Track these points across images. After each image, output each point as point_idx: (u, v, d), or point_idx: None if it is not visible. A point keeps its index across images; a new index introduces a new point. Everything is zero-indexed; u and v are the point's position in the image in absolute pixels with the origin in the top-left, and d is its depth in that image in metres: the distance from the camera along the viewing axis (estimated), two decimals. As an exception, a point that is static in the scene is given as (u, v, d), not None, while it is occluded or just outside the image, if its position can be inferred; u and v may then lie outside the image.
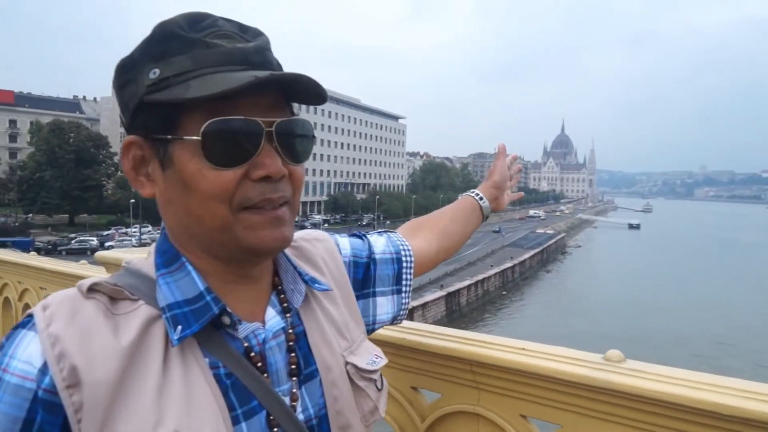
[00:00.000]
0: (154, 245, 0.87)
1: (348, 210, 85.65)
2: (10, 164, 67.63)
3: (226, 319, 0.80)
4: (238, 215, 0.77)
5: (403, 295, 1.16)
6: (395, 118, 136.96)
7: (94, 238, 54.11)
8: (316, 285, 0.93)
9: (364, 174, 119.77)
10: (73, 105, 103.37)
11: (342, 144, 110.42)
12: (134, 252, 2.11)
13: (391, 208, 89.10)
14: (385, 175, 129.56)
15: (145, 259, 0.85)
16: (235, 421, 0.76)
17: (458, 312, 41.11)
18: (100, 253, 2.20)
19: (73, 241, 52.48)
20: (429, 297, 37.93)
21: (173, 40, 0.76)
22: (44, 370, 0.69)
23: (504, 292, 50.93)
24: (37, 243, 49.28)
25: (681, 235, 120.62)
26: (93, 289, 0.76)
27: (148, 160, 0.81)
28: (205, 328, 0.78)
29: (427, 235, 1.29)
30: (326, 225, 74.92)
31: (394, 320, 1.15)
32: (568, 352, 1.22)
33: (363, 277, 1.10)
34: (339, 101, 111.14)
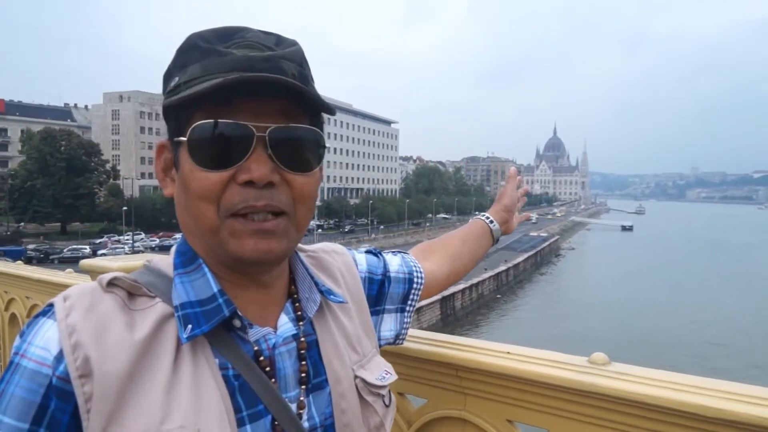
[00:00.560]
0: (174, 245, 0.89)
1: (341, 215, 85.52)
2: (0, 173, 67.10)
3: (237, 322, 0.81)
4: (225, 220, 0.77)
5: (406, 314, 1.16)
6: (388, 122, 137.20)
7: (87, 246, 53.90)
8: (332, 296, 0.93)
9: (357, 179, 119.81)
10: (65, 113, 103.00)
11: (335, 149, 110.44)
12: (121, 260, 2.06)
13: (385, 213, 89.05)
14: (378, 180, 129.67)
15: (164, 259, 0.87)
16: (240, 423, 0.77)
17: (453, 316, 41.09)
18: (85, 261, 2.16)
19: (65, 250, 52.24)
20: (423, 301, 37.68)
21: (193, 50, 0.79)
22: (60, 357, 0.71)
23: (498, 296, 51.00)
24: (29, 252, 48.98)
25: (673, 236, 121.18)
26: (112, 284, 0.78)
27: (173, 162, 0.84)
28: (216, 329, 0.79)
29: (438, 258, 1.31)
30: (320, 230, 74.75)
31: (397, 339, 1.16)
32: (553, 355, 1.22)
33: (377, 293, 1.11)
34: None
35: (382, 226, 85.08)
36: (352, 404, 0.89)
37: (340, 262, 1.06)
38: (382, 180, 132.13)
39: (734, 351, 34.38)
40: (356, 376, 0.92)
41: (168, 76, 0.82)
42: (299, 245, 1.00)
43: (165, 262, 0.86)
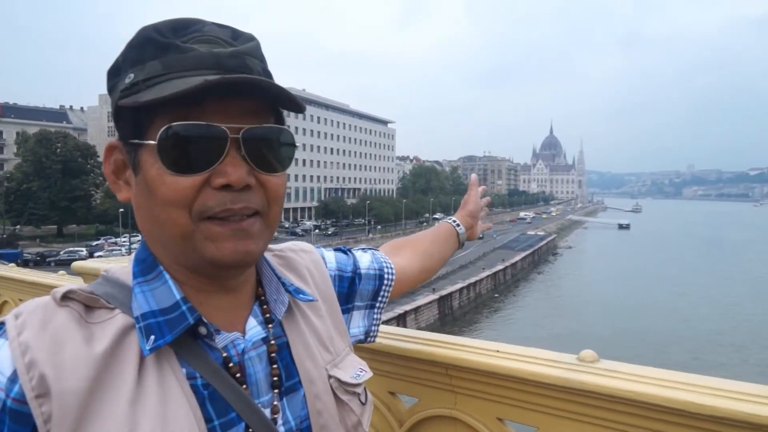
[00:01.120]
0: (133, 253, 0.85)
1: (339, 215, 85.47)
2: (-4, 176, 66.90)
3: (203, 329, 0.78)
4: (199, 224, 0.75)
5: (376, 311, 1.15)
6: (384, 122, 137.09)
7: (83, 249, 53.67)
8: (301, 296, 0.91)
9: (355, 179, 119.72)
10: (60, 115, 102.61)
11: (332, 149, 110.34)
12: (111, 261, 2.04)
13: (382, 213, 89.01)
14: (375, 180, 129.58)
15: (124, 268, 0.83)
16: None
17: (451, 315, 41.07)
18: (77, 263, 2.14)
19: (62, 252, 52.02)
20: (421, 301, 37.86)
21: (148, 44, 0.75)
22: (14, 378, 0.68)
23: (496, 295, 50.98)
24: (25, 254, 48.84)
25: (669, 234, 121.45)
26: (67, 297, 0.74)
27: (126, 164, 0.80)
28: (182, 337, 0.76)
29: (409, 254, 1.30)
30: (317, 231, 74.69)
31: (367, 336, 1.14)
32: (542, 353, 1.22)
33: (347, 291, 1.10)
34: (328, 107, 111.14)
35: (379, 226, 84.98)
36: (327, 405, 0.87)
37: (308, 260, 1.04)
38: (379, 180, 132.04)
39: (730, 348, 34.49)
40: (330, 376, 0.90)
41: (116, 72, 0.79)
42: (271, 246, 1.00)
43: (124, 271, 0.82)
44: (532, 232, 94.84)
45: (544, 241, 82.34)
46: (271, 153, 0.78)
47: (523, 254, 66.55)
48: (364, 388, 0.97)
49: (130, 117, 0.76)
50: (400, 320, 33.42)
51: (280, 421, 0.81)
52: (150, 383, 0.72)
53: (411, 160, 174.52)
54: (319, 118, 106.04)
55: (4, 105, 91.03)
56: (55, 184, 60.77)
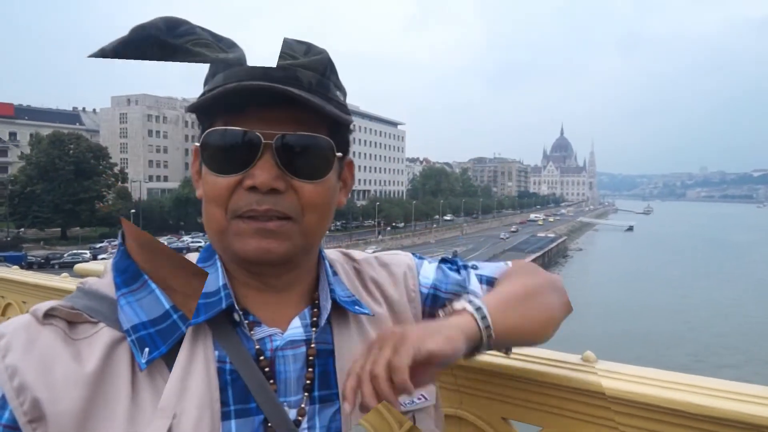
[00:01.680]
0: (110, 262, 0.82)
1: (348, 216, 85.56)
2: (0, 179, 67.54)
3: (236, 316, 0.81)
4: (231, 222, 0.79)
5: None
6: (394, 124, 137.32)
7: (87, 251, 53.99)
8: (356, 308, 0.90)
9: (365, 180, 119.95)
10: (73, 117, 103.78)
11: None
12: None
13: (392, 214, 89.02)
14: (385, 182, 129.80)
15: (101, 279, 0.82)
16: (225, 417, 0.75)
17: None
18: (80, 266, 2.12)
19: (65, 255, 52.35)
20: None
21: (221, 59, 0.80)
22: (3, 404, 0.67)
23: (506, 297, 50.74)
24: (29, 257, 49.21)
25: (675, 236, 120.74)
26: (49, 315, 0.73)
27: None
28: (222, 323, 0.79)
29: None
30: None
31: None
32: (547, 353, 1.22)
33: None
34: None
35: (388, 228, 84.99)
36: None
37: (384, 274, 1.01)
38: (389, 181, 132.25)
39: (733, 350, 34.14)
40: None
41: (204, 84, 0.85)
42: (346, 251, 1.02)
43: (102, 282, 0.81)
44: (542, 234, 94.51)
45: (555, 243, 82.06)
46: (306, 160, 0.80)
47: (533, 256, 66.20)
48: (413, 415, 0.91)
49: (200, 122, 0.84)
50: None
51: (305, 425, 0.80)
52: (145, 397, 0.72)
53: (421, 162, 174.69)
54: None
55: (17, 107, 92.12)
56: (59, 187, 61.22)
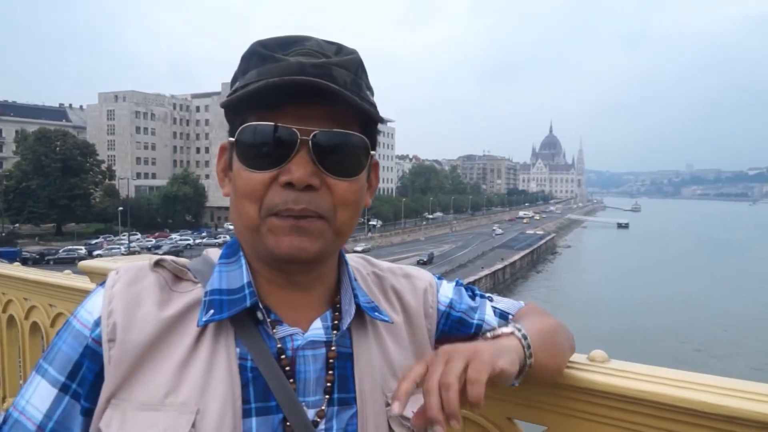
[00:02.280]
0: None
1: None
2: (-5, 175, 66.81)
3: (259, 315, 0.82)
4: (266, 219, 0.79)
5: None
6: (384, 121, 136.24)
7: (82, 247, 53.68)
8: (376, 314, 0.90)
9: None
10: (60, 113, 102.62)
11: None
12: (119, 260, 2.07)
13: (381, 212, 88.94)
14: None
15: (218, 250, 0.91)
16: (246, 414, 0.77)
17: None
18: (84, 263, 2.17)
19: (60, 251, 52.04)
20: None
21: (253, 56, 0.82)
22: (98, 322, 0.78)
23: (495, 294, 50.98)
24: (24, 253, 48.81)
25: (667, 234, 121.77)
26: (159, 264, 0.85)
27: (229, 162, 0.87)
28: (244, 320, 0.81)
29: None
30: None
31: None
32: None
33: (448, 331, 1.03)
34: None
35: (378, 225, 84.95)
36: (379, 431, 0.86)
37: (406, 284, 1.02)
38: (379, 179, 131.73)
39: (729, 345, 34.61)
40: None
41: (232, 82, 0.86)
42: (367, 257, 1.04)
43: (218, 252, 0.90)
44: (531, 231, 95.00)
45: (543, 240, 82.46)
46: (341, 157, 0.80)
47: (522, 253, 66.62)
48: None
49: (229, 118, 0.84)
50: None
51: (322, 426, 0.81)
52: (202, 354, 0.78)
53: (410, 159, 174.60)
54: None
55: (3, 103, 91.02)
56: (55, 183, 60.79)
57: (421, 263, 52.49)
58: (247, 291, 0.82)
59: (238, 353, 0.80)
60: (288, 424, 0.78)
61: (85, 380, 0.78)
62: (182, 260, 0.88)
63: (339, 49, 0.84)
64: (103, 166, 71.54)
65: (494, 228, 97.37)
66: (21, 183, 60.37)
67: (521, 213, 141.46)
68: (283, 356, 0.81)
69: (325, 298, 0.90)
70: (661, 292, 50.66)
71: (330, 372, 0.84)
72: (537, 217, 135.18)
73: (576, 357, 1.18)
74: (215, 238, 64.18)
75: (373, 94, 0.87)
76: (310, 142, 0.77)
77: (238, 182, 0.81)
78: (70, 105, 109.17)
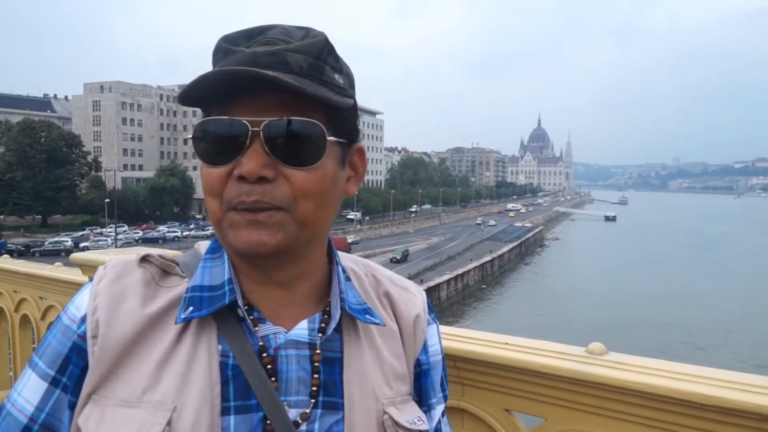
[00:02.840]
0: None
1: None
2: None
3: (239, 312, 0.80)
4: (226, 213, 0.78)
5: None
6: (373, 113, 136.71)
7: (69, 239, 53.12)
8: (367, 317, 0.87)
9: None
10: (44, 103, 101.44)
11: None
12: (111, 253, 2.08)
13: (370, 204, 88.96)
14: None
15: (208, 243, 0.90)
16: (225, 412, 0.76)
17: (438, 307, 41.29)
18: (75, 255, 2.16)
19: (46, 243, 51.45)
20: (409, 292, 37.96)
21: (218, 52, 0.81)
22: (84, 318, 0.79)
23: (483, 286, 51.36)
24: (9, 245, 48.26)
25: (653, 226, 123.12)
26: (145, 259, 0.84)
27: None
28: (227, 317, 0.80)
29: None
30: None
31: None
32: (550, 345, 1.22)
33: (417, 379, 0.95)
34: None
35: (367, 217, 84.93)
36: None
37: (403, 295, 0.98)
38: (367, 171, 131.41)
39: (711, 338, 35.12)
40: (385, 412, 0.84)
41: None
42: (365, 260, 1.02)
43: (206, 246, 0.89)
44: (519, 224, 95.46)
45: (531, 233, 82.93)
46: (296, 146, 0.77)
47: (511, 246, 67.00)
48: None
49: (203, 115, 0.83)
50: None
51: (304, 427, 0.79)
52: (182, 351, 0.77)
53: (399, 152, 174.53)
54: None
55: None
56: (40, 174, 60.01)
57: (394, 261, 51.93)
58: (227, 288, 0.80)
59: (220, 350, 0.78)
60: (268, 422, 0.76)
61: (73, 375, 0.78)
62: (171, 254, 0.86)
63: (306, 33, 0.81)
64: (89, 158, 70.53)
65: (478, 221, 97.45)
66: (5, 174, 59.47)
67: (509, 206, 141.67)
68: (265, 354, 0.80)
69: (313, 297, 0.88)
70: (647, 285, 51.23)
71: (315, 375, 0.82)
72: (523, 210, 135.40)
73: (574, 349, 1.18)
74: (203, 230, 63.87)
75: (348, 76, 0.84)
76: (262, 133, 0.75)
77: (202, 179, 0.80)
78: (55, 95, 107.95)
